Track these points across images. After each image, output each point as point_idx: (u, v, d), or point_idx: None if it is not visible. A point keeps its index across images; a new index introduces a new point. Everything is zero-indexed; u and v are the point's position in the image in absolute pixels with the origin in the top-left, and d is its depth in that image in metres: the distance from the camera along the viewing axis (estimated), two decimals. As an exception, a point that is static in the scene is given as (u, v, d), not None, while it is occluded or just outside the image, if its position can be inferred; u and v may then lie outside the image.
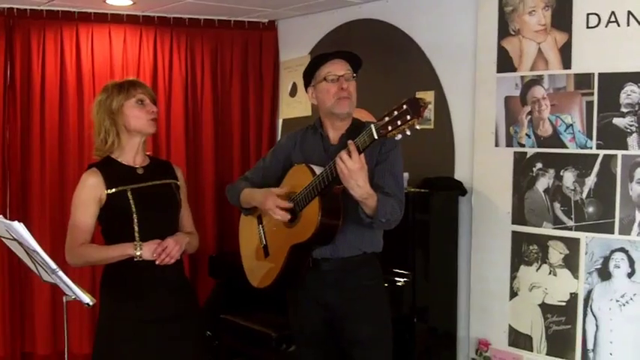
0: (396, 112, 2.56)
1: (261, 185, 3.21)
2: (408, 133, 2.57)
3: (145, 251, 2.93)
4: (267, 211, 3.05)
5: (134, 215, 2.99)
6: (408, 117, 2.52)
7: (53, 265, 2.55)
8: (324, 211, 2.87)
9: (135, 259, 2.94)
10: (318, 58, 3.10)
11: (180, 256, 3.02)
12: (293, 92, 5.51)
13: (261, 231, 3.22)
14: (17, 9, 5.05)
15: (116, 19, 5.27)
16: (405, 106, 2.53)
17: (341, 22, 5.08)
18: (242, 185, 3.29)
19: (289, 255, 3.03)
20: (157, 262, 2.92)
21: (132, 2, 4.92)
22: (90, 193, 3.01)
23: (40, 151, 5.16)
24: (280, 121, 5.67)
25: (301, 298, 3.15)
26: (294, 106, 5.49)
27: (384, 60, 4.73)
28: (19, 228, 2.50)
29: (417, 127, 2.55)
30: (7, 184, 5.14)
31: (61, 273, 2.59)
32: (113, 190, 3.00)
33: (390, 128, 2.57)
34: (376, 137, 2.62)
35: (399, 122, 2.55)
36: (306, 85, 3.16)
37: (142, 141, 3.09)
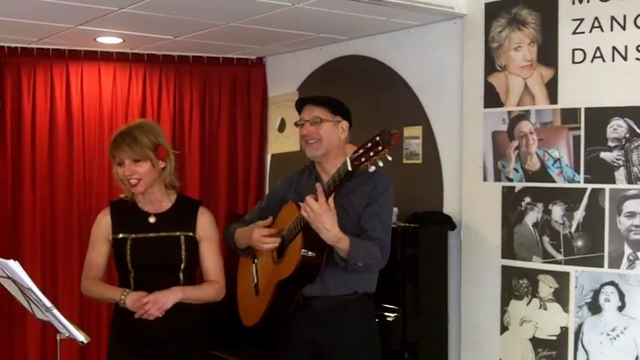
0: (369, 144, 2.65)
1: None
2: (381, 164, 2.65)
3: (128, 301, 2.96)
4: (255, 243, 3.07)
5: (129, 265, 3.03)
6: (380, 148, 2.60)
7: (48, 304, 2.55)
8: (306, 247, 2.89)
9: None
10: (296, 104, 3.24)
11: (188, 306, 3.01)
12: (281, 128, 5.54)
13: (254, 269, 3.24)
14: (8, 47, 5.08)
15: (106, 56, 5.31)
16: (377, 138, 2.61)
17: (328, 59, 5.12)
18: (236, 227, 3.31)
19: (275, 292, 3.04)
20: (135, 316, 2.93)
21: (122, 40, 4.96)
22: (101, 233, 3.11)
23: (31, 188, 5.17)
24: (269, 157, 5.69)
25: (291, 335, 3.15)
26: (282, 142, 5.51)
27: (372, 96, 4.76)
28: (15, 266, 2.49)
29: (389, 157, 2.61)
30: (-2, 221, 5.14)
31: (55, 311, 2.59)
32: (118, 235, 3.05)
33: (363, 160, 2.65)
34: (350, 169, 2.69)
35: (371, 153, 2.63)
36: None
37: (157, 189, 3.07)
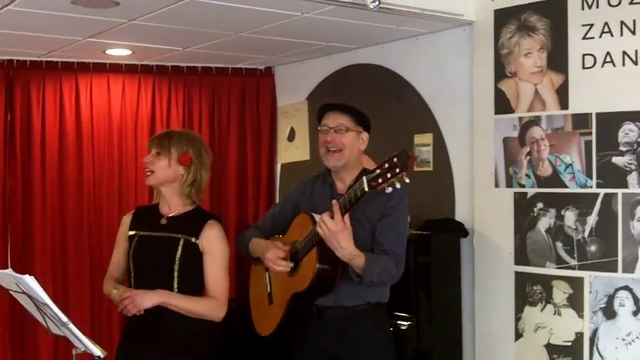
0: (386, 165, 2.62)
1: (271, 233, 3.22)
2: (398, 186, 2.62)
3: (116, 294, 3.01)
4: (268, 263, 3.04)
5: (130, 260, 3.11)
6: (397, 170, 2.58)
7: (64, 319, 2.55)
8: (321, 262, 2.87)
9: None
10: (320, 109, 3.18)
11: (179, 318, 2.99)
12: (291, 137, 5.54)
13: (267, 278, 3.23)
14: (17, 60, 5.11)
15: (115, 68, 5.33)
16: (394, 160, 2.59)
17: (338, 68, 5.14)
18: (250, 236, 3.28)
19: (290, 303, 3.03)
20: (118, 310, 2.99)
21: (131, 52, 4.98)
22: (121, 231, 3.21)
23: (41, 200, 5.19)
24: (279, 166, 5.69)
25: (304, 346, 3.14)
26: (292, 151, 5.52)
27: (381, 103, 4.76)
28: (31, 282, 2.49)
29: (406, 180, 2.59)
30: (8, 235, 5.15)
31: (71, 326, 2.58)
32: (131, 232, 3.13)
33: (380, 181, 2.63)
34: (367, 189, 2.67)
35: (389, 175, 2.61)
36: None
37: (171, 192, 3.11)
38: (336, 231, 2.73)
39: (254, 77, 5.65)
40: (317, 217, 2.92)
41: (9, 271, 2.65)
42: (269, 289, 3.20)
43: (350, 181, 3.07)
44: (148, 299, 2.94)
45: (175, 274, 3.02)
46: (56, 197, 5.23)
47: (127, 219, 3.22)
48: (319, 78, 5.28)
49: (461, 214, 4.35)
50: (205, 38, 4.59)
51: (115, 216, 5.32)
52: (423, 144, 4.51)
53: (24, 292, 2.68)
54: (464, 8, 4.14)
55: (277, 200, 5.62)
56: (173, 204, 3.12)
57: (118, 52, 5.00)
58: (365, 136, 3.16)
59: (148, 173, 3.08)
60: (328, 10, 3.87)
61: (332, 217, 2.75)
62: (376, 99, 4.78)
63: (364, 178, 2.68)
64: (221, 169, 5.59)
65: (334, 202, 2.76)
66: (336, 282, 2.91)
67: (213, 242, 3.04)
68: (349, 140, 3.07)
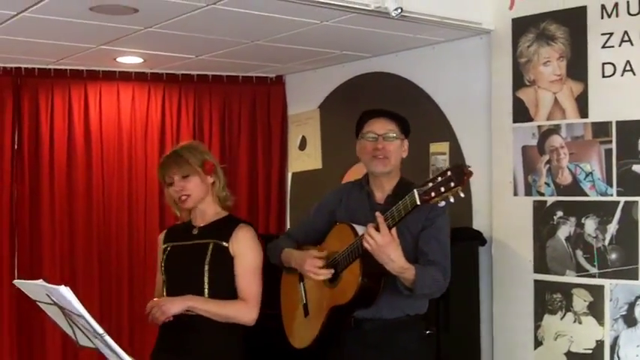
0: (439, 179, 2.55)
1: (304, 241, 3.19)
2: (452, 200, 2.56)
3: (147, 306, 3.01)
4: (306, 273, 2.99)
5: (162, 271, 3.11)
6: (452, 184, 2.52)
7: (100, 330, 2.49)
8: (364, 275, 2.82)
9: None
10: (365, 115, 3.13)
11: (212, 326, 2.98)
12: (302, 146, 5.52)
13: (302, 289, 3.18)
14: (25, 68, 5.07)
15: (124, 76, 5.29)
16: (448, 173, 2.53)
17: (351, 76, 5.12)
18: (282, 244, 3.24)
19: (329, 316, 2.99)
20: (148, 320, 2.99)
21: (142, 60, 4.95)
22: (158, 248, 3.22)
23: (49, 211, 5.15)
24: (290, 175, 5.67)
25: (340, 357, 3.09)
26: (303, 160, 5.50)
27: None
28: (66, 292, 2.42)
29: (461, 194, 2.53)
30: (16, 244, 5.10)
31: (107, 337, 2.52)
32: (163, 245, 3.15)
33: (433, 195, 2.56)
34: (418, 203, 2.61)
35: (442, 189, 2.54)
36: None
37: (207, 205, 3.12)
38: (385, 244, 2.67)
39: (265, 86, 5.63)
40: (358, 228, 2.88)
41: (40, 281, 2.59)
42: (304, 301, 3.15)
43: (389, 189, 3.05)
44: (174, 305, 2.93)
45: (205, 279, 3.00)
46: (64, 206, 5.19)
47: (161, 236, 3.25)
48: (332, 86, 5.26)
49: (478, 223, 4.34)
50: (220, 46, 4.57)
51: (125, 225, 5.31)
52: (439, 152, 4.51)
53: (54, 304, 2.62)
54: (482, 17, 4.14)
55: (289, 209, 5.60)
56: (208, 215, 3.13)
57: (129, 60, 4.97)
58: (406, 143, 3.15)
59: (184, 198, 3.04)
60: (348, 18, 3.87)
61: (377, 230, 2.70)
62: (391, 107, 4.64)
63: (415, 191, 2.61)
64: (231, 177, 5.54)
65: (378, 214, 2.71)
66: (378, 295, 2.87)
67: (243, 245, 3.04)
68: (396, 147, 3.06)
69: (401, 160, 3.14)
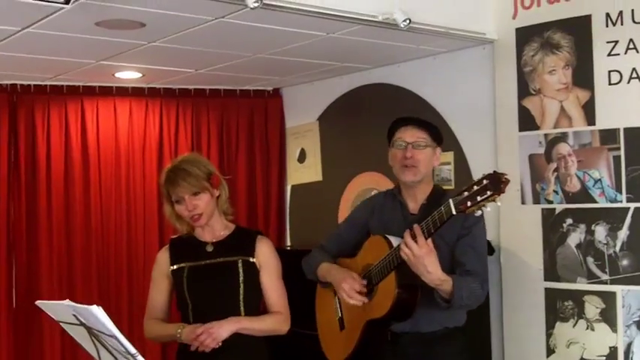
0: (475, 187, 2.53)
1: (338, 254, 3.15)
2: (489, 209, 2.54)
3: (184, 334, 2.89)
4: (342, 293, 2.94)
5: (186, 294, 2.98)
6: (489, 192, 2.49)
7: (133, 350, 2.45)
8: (400, 287, 2.79)
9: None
10: (395, 123, 3.11)
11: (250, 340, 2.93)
12: (302, 158, 5.50)
13: (337, 302, 3.14)
14: (20, 85, 5.01)
15: (121, 91, 5.25)
16: (485, 181, 2.51)
17: (350, 88, 5.12)
18: (319, 258, 3.20)
19: (365, 330, 2.95)
20: (191, 349, 2.87)
21: (141, 75, 4.91)
22: (158, 269, 3.07)
23: (46, 227, 5.08)
24: (289, 188, 5.65)
25: None
26: (302, 172, 5.48)
27: (398, 123, 4.75)
28: (98, 312, 2.37)
29: (498, 203, 2.51)
30: (13, 261, 5.02)
31: (140, 357, 2.48)
32: (175, 266, 3.01)
33: (469, 204, 2.53)
34: (454, 213, 2.57)
35: (478, 198, 2.51)
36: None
37: (215, 219, 3.04)
38: (422, 255, 2.64)
39: (262, 99, 5.61)
40: (394, 239, 2.85)
41: (67, 302, 2.55)
42: (340, 314, 3.12)
43: (422, 199, 3.02)
44: (224, 329, 2.86)
45: (241, 297, 2.97)
46: (62, 222, 5.12)
47: (163, 255, 3.10)
48: (331, 99, 5.26)
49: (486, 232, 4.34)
50: (221, 60, 4.54)
51: (123, 241, 5.25)
52: (443, 162, 4.49)
53: (81, 324, 2.57)
54: (485, 27, 4.16)
55: (288, 222, 5.57)
56: (216, 229, 3.07)
57: (127, 75, 4.93)
58: (439, 151, 3.11)
59: (197, 216, 2.97)
60: (355, 29, 3.86)
61: (414, 240, 2.67)
62: (392, 119, 4.69)
63: (451, 200, 2.59)
64: (230, 191, 5.42)
65: (415, 225, 2.68)
66: (415, 307, 2.83)
67: (268, 257, 3.04)
68: (427, 156, 3.02)
69: (433, 169, 3.12)
